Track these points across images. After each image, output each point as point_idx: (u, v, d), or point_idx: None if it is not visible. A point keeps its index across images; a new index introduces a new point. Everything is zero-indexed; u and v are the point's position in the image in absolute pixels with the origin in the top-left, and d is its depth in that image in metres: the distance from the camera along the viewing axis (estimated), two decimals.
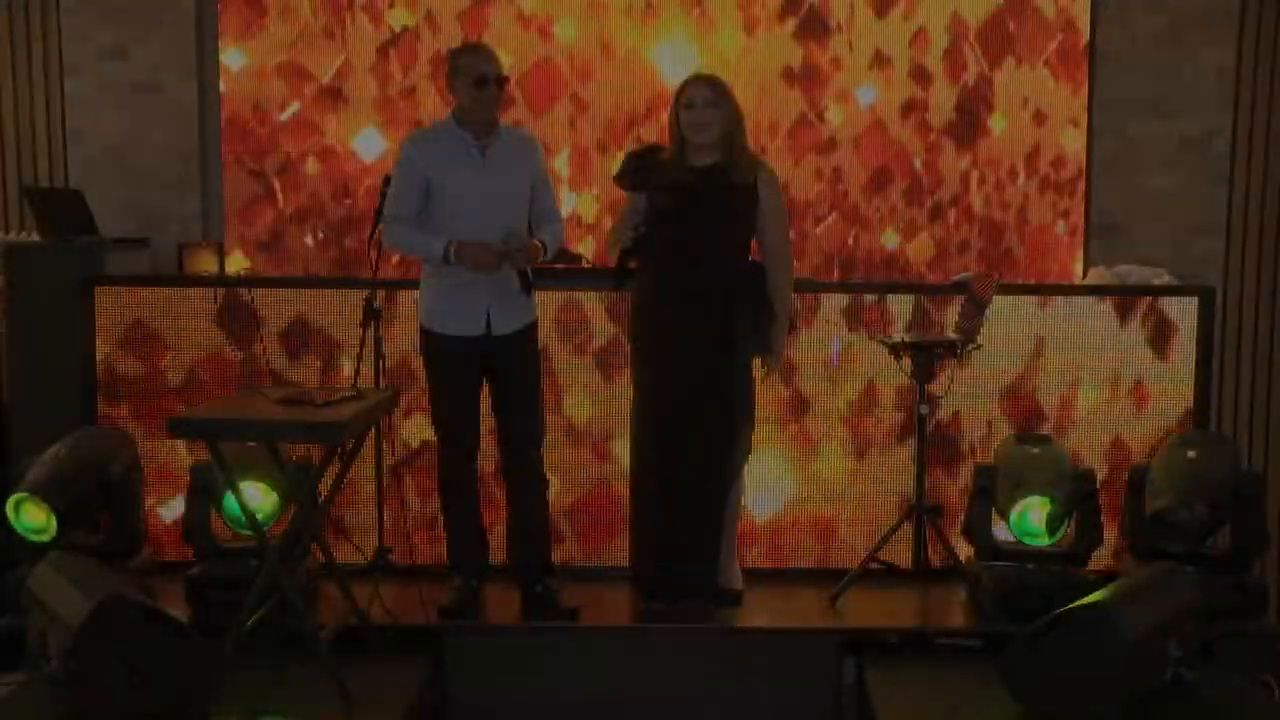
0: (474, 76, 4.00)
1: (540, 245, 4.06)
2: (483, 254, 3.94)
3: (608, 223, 5.41)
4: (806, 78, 5.78)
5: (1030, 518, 4.20)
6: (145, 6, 5.75)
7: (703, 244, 4.05)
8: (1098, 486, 4.35)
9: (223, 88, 5.79)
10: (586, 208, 5.83)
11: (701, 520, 4.13)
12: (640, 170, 4.14)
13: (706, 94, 4.01)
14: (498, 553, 4.34)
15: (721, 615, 4.19)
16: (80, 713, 3.41)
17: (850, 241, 5.87)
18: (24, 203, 5.70)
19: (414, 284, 4.33)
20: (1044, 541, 4.22)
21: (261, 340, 4.65)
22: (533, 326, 4.19)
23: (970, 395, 4.67)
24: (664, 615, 4.15)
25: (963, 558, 4.40)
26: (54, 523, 4.04)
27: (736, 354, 4.10)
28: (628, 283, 4.19)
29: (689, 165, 4.07)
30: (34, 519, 4.05)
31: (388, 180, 4.17)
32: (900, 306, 4.68)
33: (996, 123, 5.82)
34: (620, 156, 4.34)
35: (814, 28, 5.77)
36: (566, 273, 4.95)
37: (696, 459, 4.10)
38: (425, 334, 4.15)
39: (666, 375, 4.11)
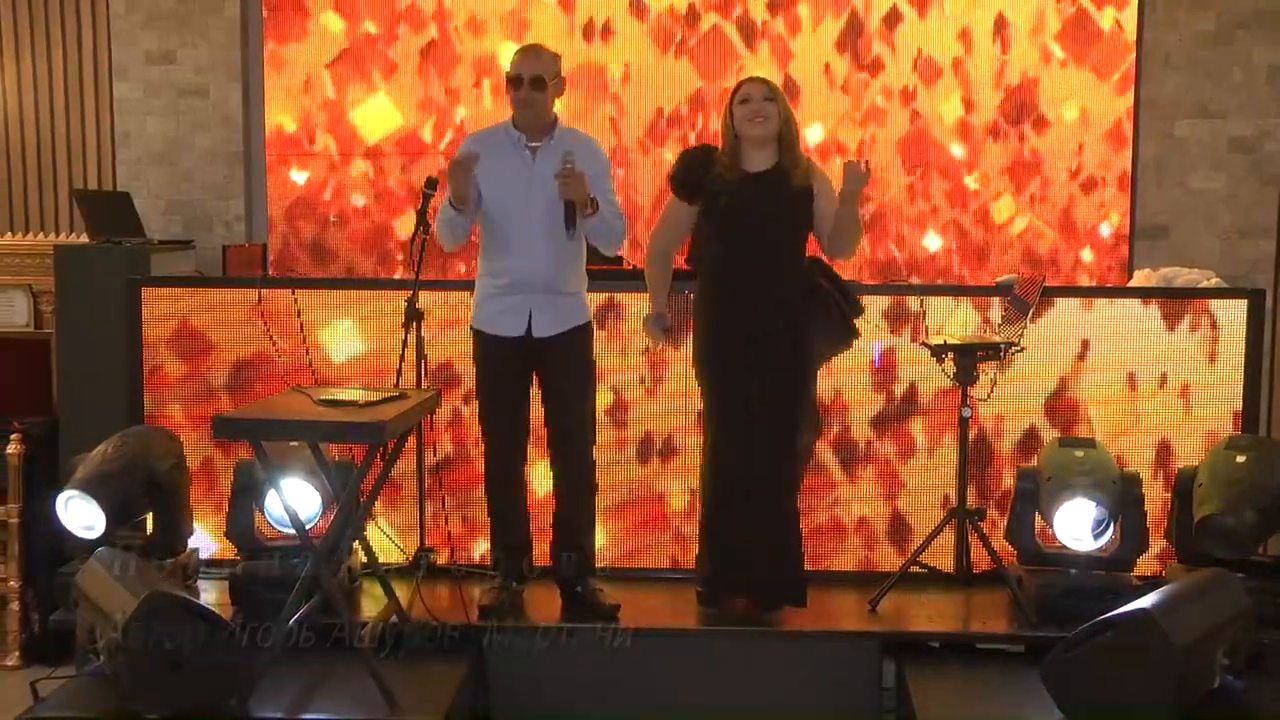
0: (509, 78, 4.03)
1: (595, 199, 3.96)
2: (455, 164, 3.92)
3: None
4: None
5: (1074, 522, 4.15)
6: (192, 11, 5.83)
7: (764, 250, 4.02)
8: (1144, 491, 4.29)
9: (267, 91, 5.85)
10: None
11: (778, 522, 4.10)
12: (693, 175, 4.07)
13: (764, 90, 4.03)
14: (541, 556, 4.34)
15: (764, 618, 4.17)
16: (126, 707, 3.44)
17: (892, 243, 5.85)
18: (74, 204, 5.78)
19: (457, 284, 4.38)
20: (1088, 545, 4.17)
21: (304, 340, 4.69)
22: (580, 330, 4.17)
23: (1013, 398, 4.63)
24: (737, 615, 4.12)
25: (1005, 561, 4.36)
26: (103, 520, 4.09)
27: (805, 359, 4.09)
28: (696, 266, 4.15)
29: (745, 171, 4.05)
30: (84, 516, 4.11)
31: (429, 182, 4.19)
32: (942, 309, 4.65)
33: (1041, 124, 5.78)
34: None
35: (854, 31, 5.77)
36: (608, 274, 4.95)
37: (768, 463, 4.05)
38: (473, 333, 4.20)
39: (737, 385, 4.04)
